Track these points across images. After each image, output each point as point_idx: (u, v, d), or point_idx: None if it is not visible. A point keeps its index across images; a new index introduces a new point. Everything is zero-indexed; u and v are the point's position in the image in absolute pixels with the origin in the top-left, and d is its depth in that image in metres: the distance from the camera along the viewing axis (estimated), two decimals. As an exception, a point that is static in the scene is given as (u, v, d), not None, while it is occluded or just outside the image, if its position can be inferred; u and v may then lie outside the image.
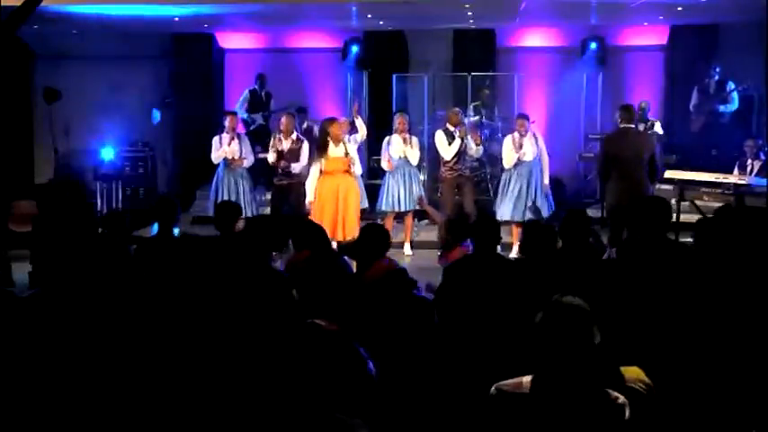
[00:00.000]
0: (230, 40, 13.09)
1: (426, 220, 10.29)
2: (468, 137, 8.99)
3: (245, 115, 11.81)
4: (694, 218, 6.06)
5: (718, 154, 10.78)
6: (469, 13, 10.67)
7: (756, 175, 9.34)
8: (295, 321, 3.10)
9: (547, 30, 12.68)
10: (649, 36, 12.41)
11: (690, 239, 4.98)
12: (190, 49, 12.63)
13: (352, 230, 8.25)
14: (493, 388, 2.81)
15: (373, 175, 11.15)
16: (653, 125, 10.97)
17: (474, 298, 4.35)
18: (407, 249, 9.29)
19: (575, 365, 2.66)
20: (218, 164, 9.47)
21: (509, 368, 2.92)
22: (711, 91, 11.21)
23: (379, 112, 11.94)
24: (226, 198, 9.02)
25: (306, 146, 9.11)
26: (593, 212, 9.77)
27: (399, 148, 9.12)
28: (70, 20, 10.77)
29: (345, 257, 5.50)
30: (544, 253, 4.75)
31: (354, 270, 5.09)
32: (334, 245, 7.92)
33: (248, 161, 9.60)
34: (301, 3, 10.01)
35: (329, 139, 8.45)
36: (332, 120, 8.75)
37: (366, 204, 9.32)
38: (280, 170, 9.11)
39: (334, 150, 8.48)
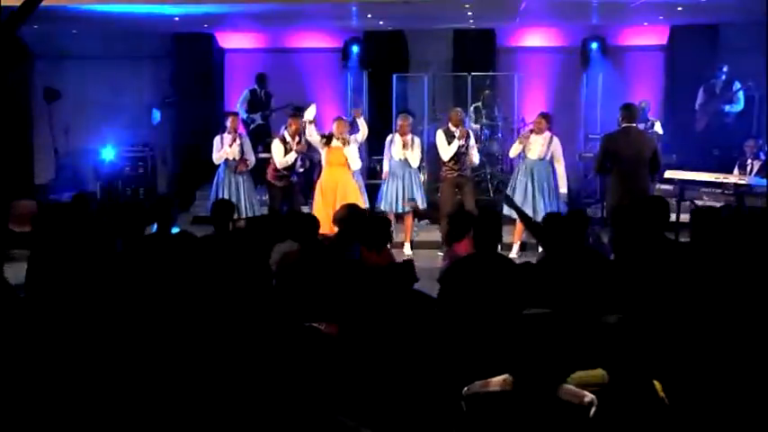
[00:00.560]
0: (230, 40, 13.08)
1: (426, 220, 10.28)
2: (474, 149, 9.14)
3: (245, 115, 11.81)
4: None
5: (720, 154, 10.77)
6: (469, 13, 10.66)
7: (756, 175, 9.32)
8: (291, 323, 3.10)
9: (547, 30, 12.67)
10: (650, 36, 12.40)
11: (689, 240, 4.98)
12: (190, 49, 12.62)
13: None
14: (465, 389, 2.89)
15: (373, 175, 11.14)
16: (653, 125, 10.95)
17: (474, 298, 4.35)
18: (407, 249, 9.30)
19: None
20: (219, 164, 9.47)
21: (508, 368, 2.93)
22: (718, 90, 11.17)
23: (379, 112, 11.94)
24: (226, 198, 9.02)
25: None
26: (593, 212, 9.80)
27: (400, 151, 9.16)
28: (70, 19, 10.75)
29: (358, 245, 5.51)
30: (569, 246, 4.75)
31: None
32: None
33: (250, 162, 9.60)
34: (301, 3, 10.00)
35: (333, 134, 8.96)
36: (337, 118, 9.16)
37: (367, 205, 9.32)
38: (280, 171, 9.13)
39: (336, 143, 8.93)
